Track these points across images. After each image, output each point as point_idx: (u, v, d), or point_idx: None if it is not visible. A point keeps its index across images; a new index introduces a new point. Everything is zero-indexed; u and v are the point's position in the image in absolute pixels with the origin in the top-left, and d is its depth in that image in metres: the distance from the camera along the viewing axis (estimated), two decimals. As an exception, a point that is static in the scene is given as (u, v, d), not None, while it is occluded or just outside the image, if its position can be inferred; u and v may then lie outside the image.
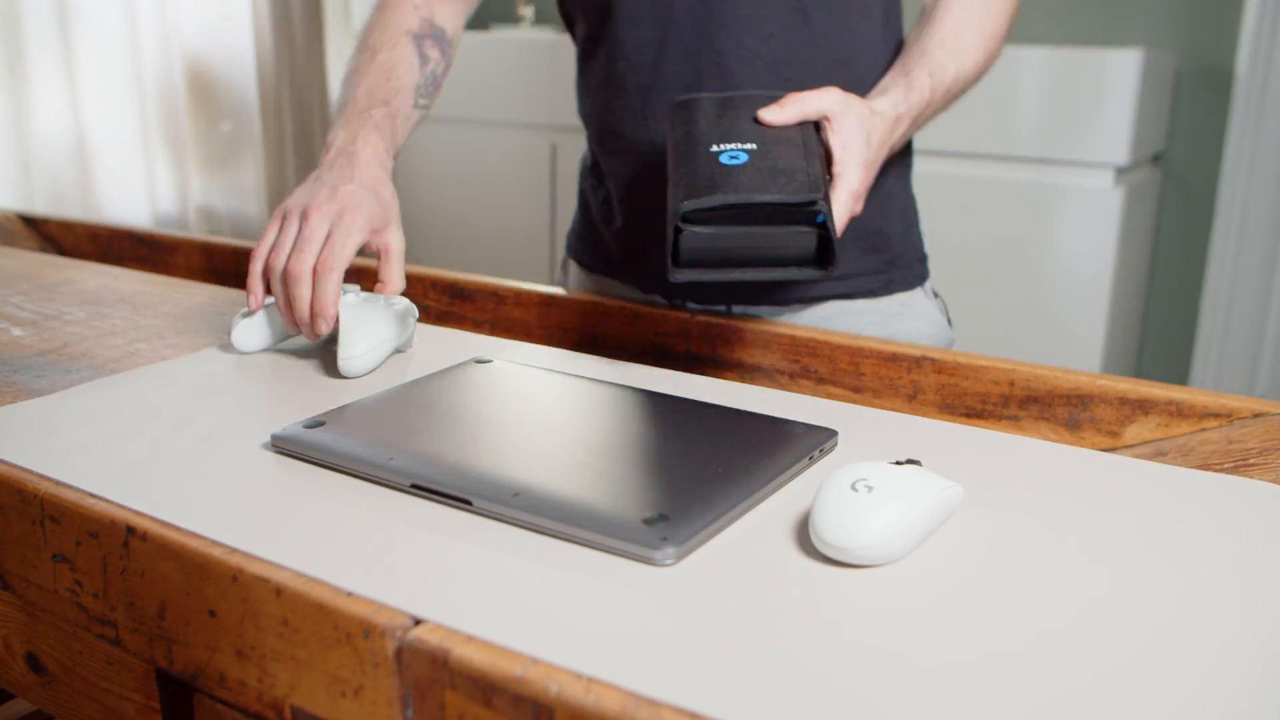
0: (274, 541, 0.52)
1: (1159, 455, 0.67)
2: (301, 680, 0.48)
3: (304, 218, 0.79)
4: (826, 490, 0.52)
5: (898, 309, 0.97)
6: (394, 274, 0.84)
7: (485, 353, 0.82)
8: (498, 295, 0.96)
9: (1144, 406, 0.68)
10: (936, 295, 1.04)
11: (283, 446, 0.63)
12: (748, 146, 0.73)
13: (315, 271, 0.77)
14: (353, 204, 0.80)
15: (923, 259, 1.03)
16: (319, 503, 0.57)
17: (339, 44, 3.03)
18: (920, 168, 2.18)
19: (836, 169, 0.76)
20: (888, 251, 0.98)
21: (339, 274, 0.77)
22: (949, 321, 1.03)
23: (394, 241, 0.84)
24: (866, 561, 0.49)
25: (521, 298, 0.95)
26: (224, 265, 1.13)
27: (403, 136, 0.94)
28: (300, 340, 0.85)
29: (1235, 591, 0.49)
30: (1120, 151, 1.99)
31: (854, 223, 0.95)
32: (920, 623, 0.45)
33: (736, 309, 0.94)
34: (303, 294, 0.77)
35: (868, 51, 0.94)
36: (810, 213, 0.69)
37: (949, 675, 0.42)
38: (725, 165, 0.71)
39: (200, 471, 0.60)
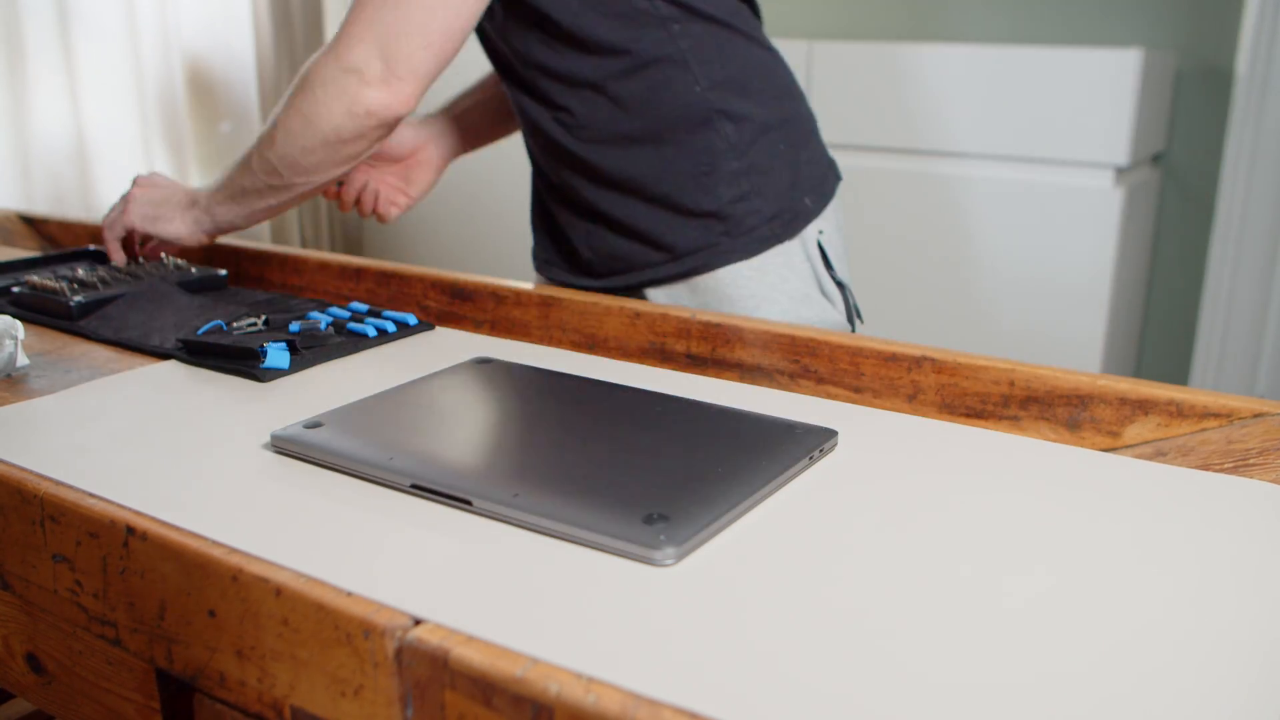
0: (274, 541, 0.52)
1: (1159, 455, 0.67)
2: (301, 680, 0.48)
3: None
4: None
5: (769, 293, 0.99)
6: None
7: (485, 353, 0.82)
8: (498, 295, 0.96)
9: (1144, 406, 0.68)
10: (843, 286, 1.05)
11: (283, 446, 0.63)
12: None
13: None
14: None
15: (783, 221, 1.01)
16: (319, 503, 0.57)
17: (339, 44, 3.02)
18: (920, 167, 2.18)
19: None
20: (719, 225, 0.99)
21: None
22: (854, 310, 1.05)
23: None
24: None
25: (521, 298, 0.94)
26: (224, 265, 1.13)
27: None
28: None
29: (1235, 592, 0.49)
30: (1120, 151, 1.99)
31: (679, 203, 0.99)
32: (920, 622, 0.45)
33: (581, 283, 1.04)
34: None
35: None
36: None
37: (948, 674, 0.42)
38: None
39: (200, 471, 0.60)
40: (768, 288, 0.99)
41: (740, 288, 0.99)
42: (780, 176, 1.01)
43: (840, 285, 1.04)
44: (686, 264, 0.99)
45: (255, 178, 0.95)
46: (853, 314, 1.05)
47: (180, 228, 1.02)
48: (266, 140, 0.94)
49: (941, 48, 2.14)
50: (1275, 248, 2.28)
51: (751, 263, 0.99)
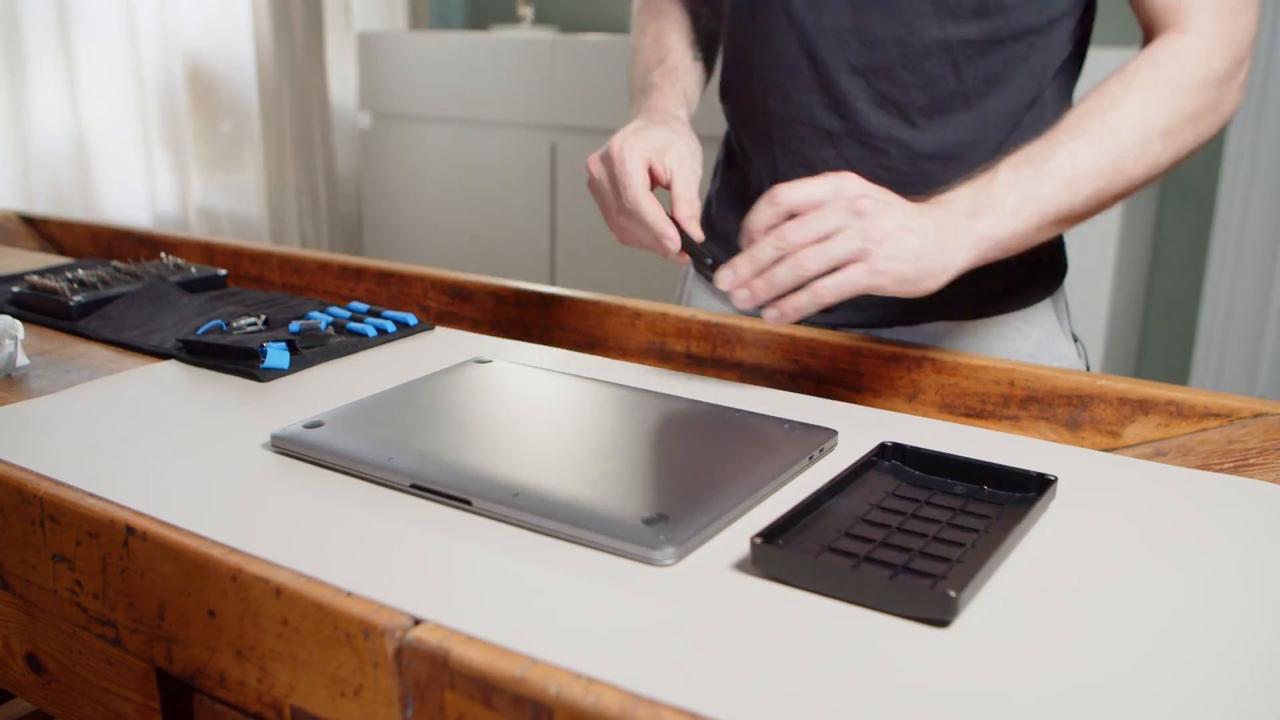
0: (274, 541, 0.52)
1: (1159, 455, 0.67)
2: (301, 680, 0.48)
3: (591, 181, 0.82)
4: None
5: (1033, 349, 0.91)
6: (679, 186, 0.80)
7: (485, 353, 0.82)
8: (498, 295, 0.96)
9: (1144, 406, 0.68)
10: (1077, 339, 0.96)
11: (282, 446, 0.63)
12: None
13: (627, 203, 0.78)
14: (619, 140, 0.81)
15: (1054, 271, 0.94)
16: (319, 503, 0.57)
17: (339, 44, 3.03)
18: (920, 168, 2.17)
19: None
20: (1004, 270, 0.86)
21: (645, 199, 0.78)
22: (1087, 368, 0.96)
23: (679, 158, 0.81)
24: None
25: (521, 298, 0.95)
26: (224, 265, 1.13)
27: (691, 87, 0.95)
28: None
29: (1235, 591, 0.49)
30: (1120, 151, 1.99)
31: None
32: (917, 622, 0.45)
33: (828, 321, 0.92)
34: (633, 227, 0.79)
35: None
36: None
37: (944, 671, 0.42)
38: None
39: (200, 471, 0.60)
40: (1033, 344, 0.91)
41: (1007, 340, 0.91)
42: None
43: (1076, 339, 0.96)
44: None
45: (1089, 192, 0.74)
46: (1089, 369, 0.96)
47: (943, 278, 0.71)
48: (1132, 150, 0.75)
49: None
50: (1275, 248, 2.28)
51: (1021, 314, 0.91)
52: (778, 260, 0.68)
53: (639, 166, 0.79)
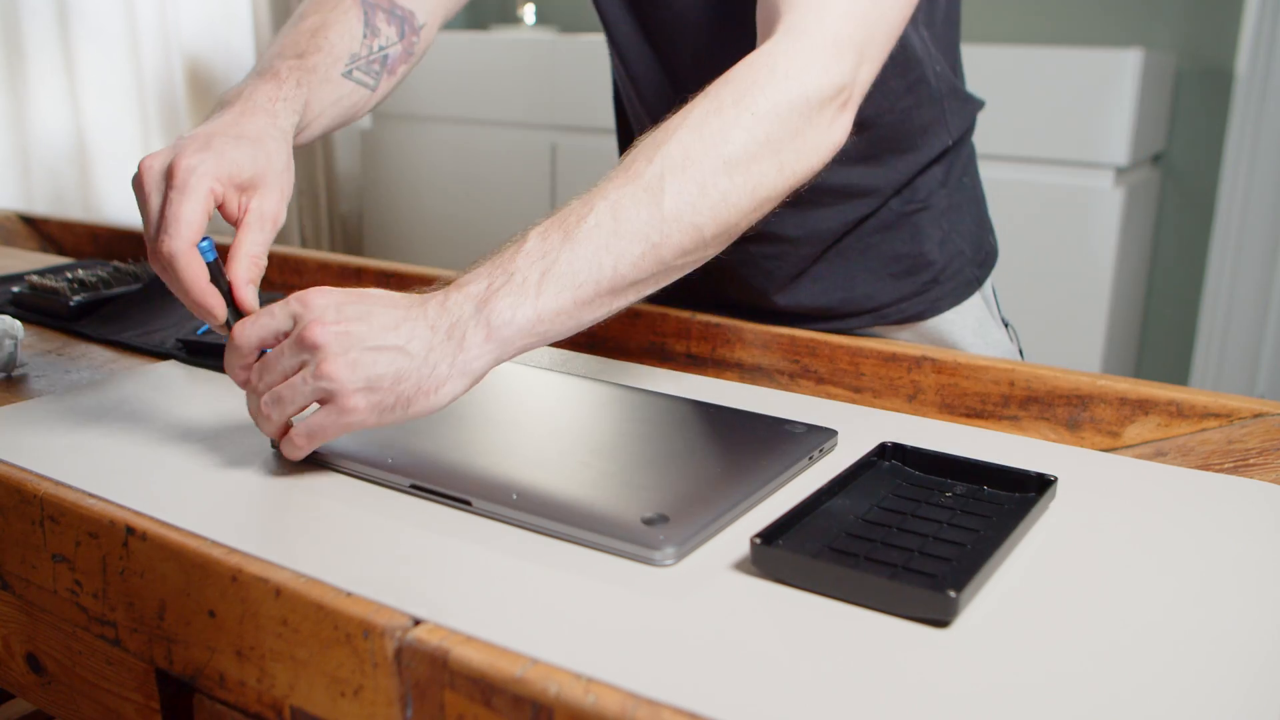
0: (274, 541, 0.52)
1: (1159, 455, 0.67)
2: (301, 680, 0.48)
3: (137, 182, 0.63)
4: None
5: (971, 339, 0.90)
6: (245, 242, 0.63)
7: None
8: (498, 295, 0.95)
9: (1144, 406, 0.68)
10: (1007, 325, 0.96)
11: (282, 446, 0.63)
12: None
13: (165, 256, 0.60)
14: (193, 150, 0.62)
15: (979, 262, 0.92)
16: (319, 503, 0.57)
17: (339, 44, 3.02)
18: (920, 168, 2.17)
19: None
20: (927, 271, 0.88)
21: (186, 257, 0.60)
22: (1020, 353, 0.96)
23: (261, 204, 0.64)
24: None
25: (521, 298, 0.94)
26: (224, 265, 1.13)
27: (322, 101, 0.77)
28: None
29: (1235, 591, 0.49)
30: (1120, 151, 1.99)
31: (886, 249, 0.86)
32: (915, 621, 0.45)
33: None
34: (173, 285, 0.62)
35: None
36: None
37: (943, 671, 0.42)
38: None
39: (200, 472, 0.60)
40: (971, 333, 0.90)
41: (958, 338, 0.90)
42: (977, 207, 0.93)
43: (1006, 324, 0.95)
44: (907, 309, 0.88)
45: (639, 252, 0.59)
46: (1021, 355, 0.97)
47: (456, 385, 0.58)
48: (688, 190, 0.60)
49: (941, 48, 2.14)
50: (1275, 248, 2.28)
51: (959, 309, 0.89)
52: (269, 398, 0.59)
53: (200, 203, 0.61)
